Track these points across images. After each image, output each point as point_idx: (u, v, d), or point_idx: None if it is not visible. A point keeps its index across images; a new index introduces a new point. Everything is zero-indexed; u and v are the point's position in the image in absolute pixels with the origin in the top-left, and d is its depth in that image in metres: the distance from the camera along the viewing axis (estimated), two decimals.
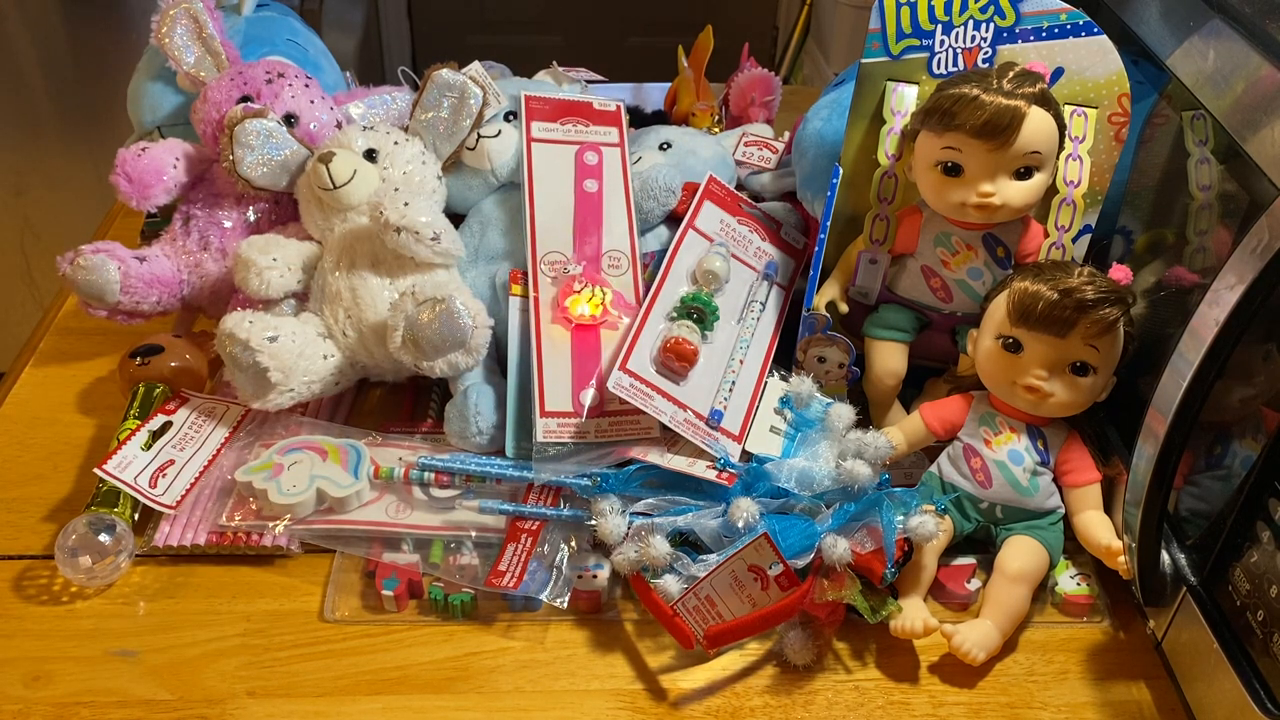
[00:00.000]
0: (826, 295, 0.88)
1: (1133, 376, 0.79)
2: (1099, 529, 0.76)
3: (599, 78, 1.22)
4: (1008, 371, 0.78)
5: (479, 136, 0.96)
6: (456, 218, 0.96)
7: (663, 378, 0.83)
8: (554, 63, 1.17)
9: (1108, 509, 0.79)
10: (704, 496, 0.79)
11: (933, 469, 0.82)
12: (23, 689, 0.72)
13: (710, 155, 1.02)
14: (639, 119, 1.16)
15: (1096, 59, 0.82)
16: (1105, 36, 0.82)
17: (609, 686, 0.73)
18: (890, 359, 0.86)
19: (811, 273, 0.87)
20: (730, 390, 0.85)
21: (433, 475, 0.82)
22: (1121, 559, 0.74)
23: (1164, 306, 0.79)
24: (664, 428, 0.82)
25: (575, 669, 0.74)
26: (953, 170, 0.80)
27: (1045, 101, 0.78)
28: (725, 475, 0.79)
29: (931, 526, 0.75)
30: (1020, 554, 0.77)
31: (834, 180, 0.86)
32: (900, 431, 0.82)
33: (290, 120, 0.95)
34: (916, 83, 0.85)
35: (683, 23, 1.62)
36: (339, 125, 0.98)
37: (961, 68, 0.84)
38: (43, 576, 0.79)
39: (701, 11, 1.95)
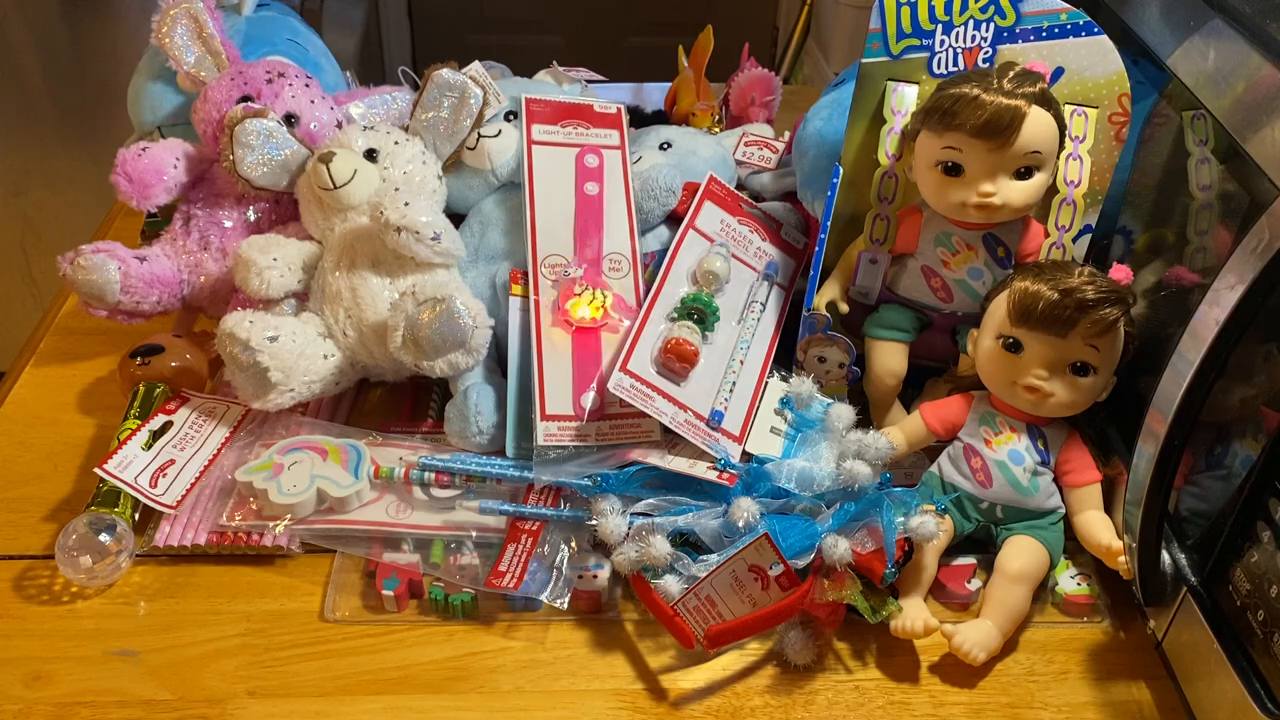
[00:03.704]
0: (827, 295, 0.88)
1: (1133, 376, 0.79)
2: (1099, 529, 0.76)
3: (599, 78, 1.22)
4: (1008, 371, 0.78)
5: (479, 136, 0.96)
6: (457, 218, 0.96)
7: (663, 378, 0.83)
8: (554, 63, 1.17)
9: (1108, 509, 0.79)
10: (705, 497, 0.79)
11: (933, 469, 0.82)
12: (23, 689, 0.72)
13: (710, 155, 1.02)
14: (639, 119, 1.16)
15: (1097, 59, 0.82)
16: (1105, 36, 0.82)
17: (609, 686, 0.73)
18: (890, 359, 0.86)
19: (812, 273, 0.87)
20: (731, 391, 0.85)
21: (433, 475, 0.82)
22: (1122, 559, 0.74)
23: (1164, 306, 0.79)
24: (665, 429, 0.82)
25: (575, 669, 0.74)
26: (953, 170, 0.80)
27: (1045, 101, 0.79)
28: (726, 476, 0.79)
29: (932, 526, 0.75)
30: (1021, 554, 0.77)
31: (834, 180, 0.86)
32: (900, 431, 0.82)
33: (290, 120, 0.95)
34: (917, 83, 0.85)
35: (683, 23, 1.62)
36: (339, 125, 0.98)
37: (962, 68, 0.84)
38: (43, 576, 0.79)
39: (701, 11, 1.95)
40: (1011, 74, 0.79)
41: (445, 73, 0.94)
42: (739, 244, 0.94)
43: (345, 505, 0.81)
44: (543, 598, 0.76)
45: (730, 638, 0.73)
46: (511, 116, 0.98)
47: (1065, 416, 0.80)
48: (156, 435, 0.86)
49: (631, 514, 0.78)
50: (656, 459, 0.81)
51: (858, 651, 0.76)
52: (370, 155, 0.92)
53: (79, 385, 0.97)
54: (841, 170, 0.87)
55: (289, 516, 0.80)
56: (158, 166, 0.95)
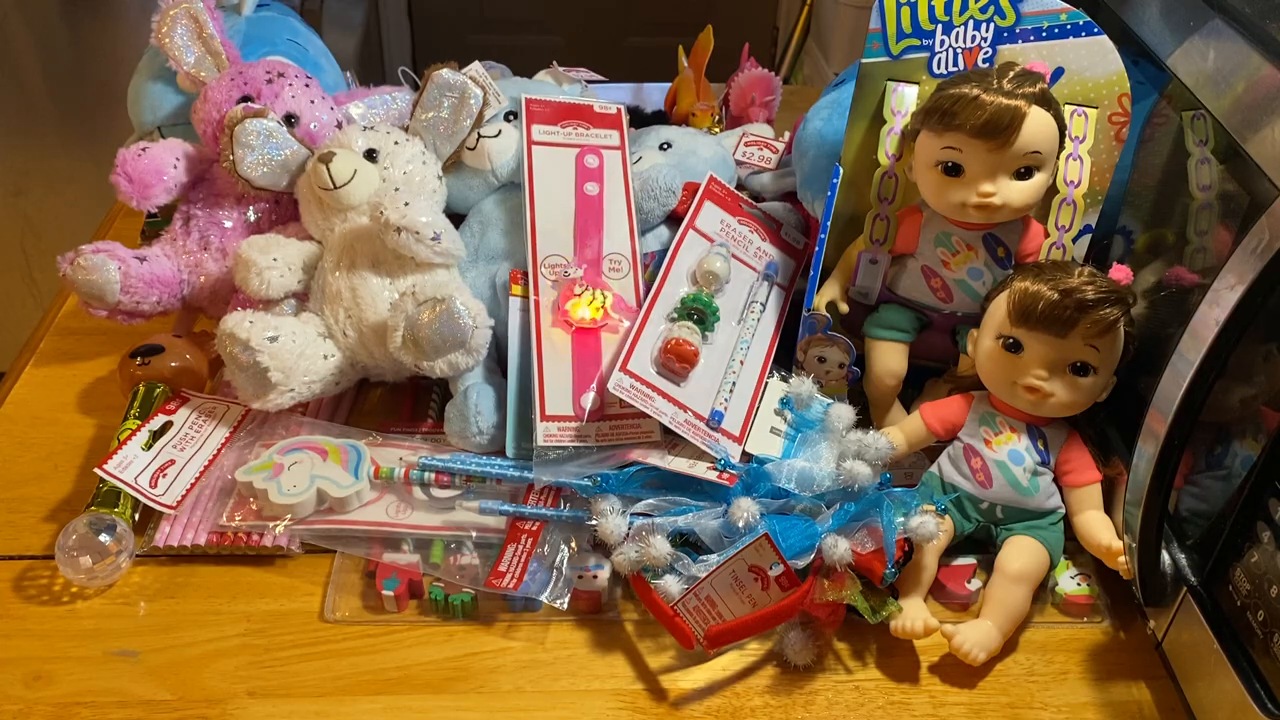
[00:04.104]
0: (827, 295, 0.88)
1: (1133, 376, 0.79)
2: (1099, 529, 0.76)
3: (599, 78, 1.22)
4: (1008, 371, 0.78)
5: (479, 136, 0.96)
6: (456, 218, 0.96)
7: (663, 379, 0.83)
8: (554, 63, 1.17)
9: (1108, 509, 0.79)
10: (705, 497, 0.79)
11: (933, 469, 0.82)
12: (23, 689, 0.72)
13: (710, 155, 1.02)
14: (639, 119, 1.16)
15: (1096, 59, 0.82)
16: (1105, 36, 0.82)
17: (609, 686, 0.73)
18: (890, 359, 0.86)
19: (812, 273, 0.87)
20: (731, 391, 0.85)
21: (433, 475, 0.82)
22: (1122, 559, 0.74)
23: (1164, 306, 0.79)
24: (665, 430, 0.82)
25: (575, 669, 0.74)
26: (953, 170, 0.80)
27: (1045, 101, 0.78)
28: (726, 476, 0.79)
29: (932, 527, 0.75)
30: (1020, 554, 0.77)
31: (834, 180, 0.86)
32: (900, 432, 0.82)
33: (290, 120, 0.95)
34: (917, 83, 0.85)
35: (683, 23, 1.62)
36: (339, 125, 0.98)
37: (962, 68, 0.84)
38: (43, 576, 0.79)
39: (701, 11, 1.95)
40: (1011, 74, 0.79)
41: (445, 73, 0.94)
42: (739, 244, 0.94)
43: (345, 505, 0.81)
44: (543, 598, 0.76)
45: (730, 638, 0.73)
46: (511, 116, 0.98)
47: (1065, 416, 0.80)
48: (156, 435, 0.86)
49: (631, 514, 0.78)
50: (656, 459, 0.81)
51: (858, 651, 0.76)
52: (370, 155, 0.92)
53: (79, 385, 0.97)
54: (841, 170, 0.87)
55: (289, 516, 0.80)
56: (158, 166, 0.95)
